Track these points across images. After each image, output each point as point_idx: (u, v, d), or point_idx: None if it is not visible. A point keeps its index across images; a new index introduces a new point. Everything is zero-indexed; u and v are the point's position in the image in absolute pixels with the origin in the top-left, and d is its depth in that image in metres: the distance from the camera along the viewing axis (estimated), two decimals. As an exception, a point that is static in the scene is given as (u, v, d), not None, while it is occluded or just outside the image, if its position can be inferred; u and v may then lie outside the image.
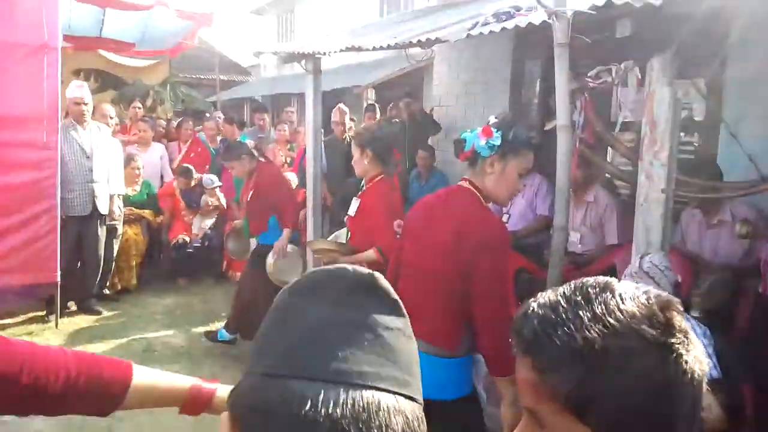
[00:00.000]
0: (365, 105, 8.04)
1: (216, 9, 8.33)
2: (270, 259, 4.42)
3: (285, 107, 10.50)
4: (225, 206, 6.58)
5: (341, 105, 6.73)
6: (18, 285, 4.82)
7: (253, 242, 4.95)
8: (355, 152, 3.22)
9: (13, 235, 4.72)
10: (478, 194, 2.14)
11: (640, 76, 2.89)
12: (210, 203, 6.51)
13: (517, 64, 5.63)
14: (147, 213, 6.32)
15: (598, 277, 0.82)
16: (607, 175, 4.30)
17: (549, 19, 2.62)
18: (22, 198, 4.75)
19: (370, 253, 3.07)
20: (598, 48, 2.98)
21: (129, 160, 6.15)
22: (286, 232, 4.46)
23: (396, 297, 0.65)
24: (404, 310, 0.66)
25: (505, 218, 4.75)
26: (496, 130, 2.09)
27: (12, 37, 4.72)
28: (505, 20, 3.22)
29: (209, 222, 6.54)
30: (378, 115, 7.59)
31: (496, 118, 2.17)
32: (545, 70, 5.21)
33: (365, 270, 0.64)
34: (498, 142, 2.07)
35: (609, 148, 4.16)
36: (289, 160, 7.17)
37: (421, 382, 2.17)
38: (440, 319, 2.08)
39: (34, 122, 4.76)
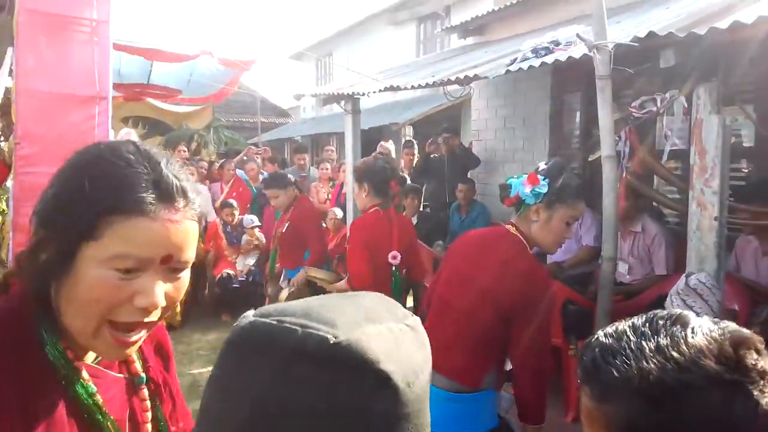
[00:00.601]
0: (403, 141, 8.12)
1: (257, 55, 8.59)
2: (283, 293, 4.42)
3: (324, 146, 10.69)
4: (264, 244, 6.68)
5: (383, 143, 6.84)
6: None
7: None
8: (354, 186, 3.26)
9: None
10: (524, 240, 2.08)
11: (686, 105, 2.85)
12: (249, 242, 6.62)
13: (557, 96, 5.62)
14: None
15: (674, 310, 0.78)
16: (654, 203, 4.22)
17: (590, 52, 2.62)
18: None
19: (342, 283, 3.26)
20: (641, 78, 2.96)
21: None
22: (304, 269, 4.45)
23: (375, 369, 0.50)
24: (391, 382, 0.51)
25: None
26: (543, 177, 2.03)
27: (65, 89, 4.94)
28: (544, 55, 3.24)
29: (252, 260, 6.64)
30: (416, 151, 7.66)
31: (545, 164, 2.12)
32: (586, 101, 5.20)
33: (319, 334, 0.51)
34: (544, 190, 2.01)
35: (655, 176, 4.09)
36: (330, 196, 7.27)
37: (446, 420, 2.13)
38: (470, 359, 2.04)
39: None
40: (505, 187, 2.15)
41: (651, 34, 2.48)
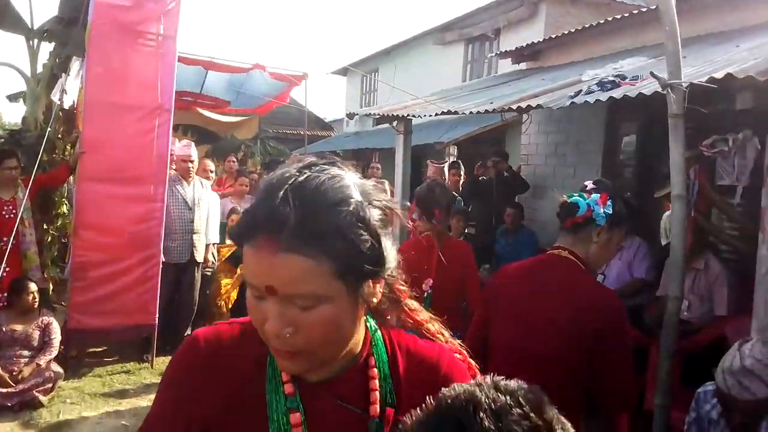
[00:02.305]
0: (449, 162, 8.13)
1: (307, 70, 8.76)
2: None
3: (366, 160, 10.77)
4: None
5: (430, 161, 6.89)
6: (119, 325, 5.07)
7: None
8: (416, 215, 3.35)
9: (119, 279, 5.01)
10: (581, 264, 1.96)
11: (759, 147, 2.81)
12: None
13: (611, 126, 5.58)
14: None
15: None
16: (712, 239, 4.14)
17: (663, 90, 2.61)
18: (130, 245, 5.05)
19: None
20: (713, 117, 2.93)
21: (231, 212, 6.45)
22: None
23: None
24: None
25: (600, 278, 4.65)
26: (608, 198, 1.97)
27: (130, 100, 5.12)
28: (610, 89, 3.23)
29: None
30: (462, 172, 7.68)
31: (593, 184, 2.04)
32: (642, 132, 5.15)
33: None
34: (611, 211, 1.95)
35: (719, 214, 4.02)
36: None
37: None
38: (570, 411, 1.93)
39: (145, 177, 5.10)
40: (571, 206, 1.97)
41: (729, 76, 2.46)
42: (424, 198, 3.30)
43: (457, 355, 1.09)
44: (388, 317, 1.03)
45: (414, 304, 1.09)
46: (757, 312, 2.71)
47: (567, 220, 1.99)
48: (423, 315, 1.11)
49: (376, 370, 0.97)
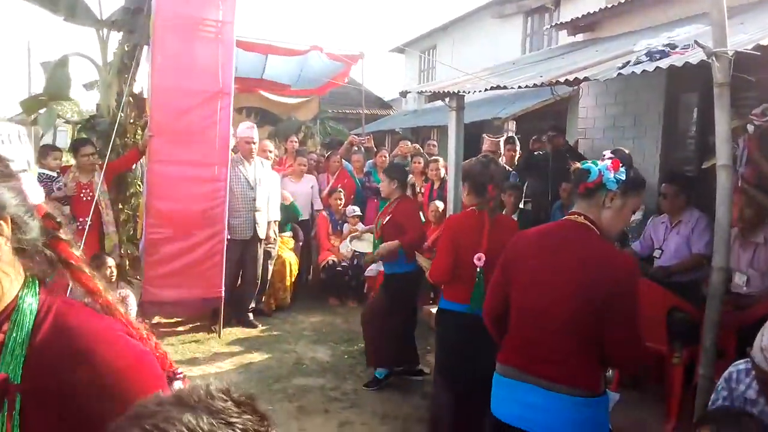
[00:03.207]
0: (505, 137, 8.08)
1: (363, 50, 8.86)
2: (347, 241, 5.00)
3: (425, 138, 10.80)
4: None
5: (486, 135, 6.89)
6: (189, 298, 5.42)
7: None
8: (463, 189, 3.46)
9: (187, 254, 5.35)
10: (595, 229, 2.06)
11: (812, 113, 2.72)
12: (351, 230, 6.93)
13: (671, 97, 5.43)
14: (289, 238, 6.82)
15: None
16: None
17: (708, 59, 2.57)
18: (197, 223, 5.38)
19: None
20: (764, 84, 2.85)
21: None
22: (390, 244, 4.57)
23: None
24: None
25: (657, 253, 4.59)
26: (621, 165, 2.05)
27: (193, 85, 5.40)
28: (659, 59, 3.18)
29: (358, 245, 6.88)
30: (518, 147, 7.63)
31: (612, 153, 2.11)
32: (704, 103, 4.99)
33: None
34: (623, 177, 2.03)
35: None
36: (422, 190, 7.38)
37: (582, 425, 2.15)
38: (579, 362, 2.02)
39: (209, 158, 5.39)
40: (582, 172, 2.07)
41: (776, 42, 2.40)
42: (475, 173, 3.33)
43: (136, 334, 1.04)
44: (47, 279, 1.00)
45: (88, 270, 1.06)
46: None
47: (580, 186, 2.09)
48: (99, 284, 1.06)
49: (2, 336, 0.92)
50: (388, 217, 4.83)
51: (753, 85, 3.18)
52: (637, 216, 5.29)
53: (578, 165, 2.13)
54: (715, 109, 2.61)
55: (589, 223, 2.06)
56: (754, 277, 3.91)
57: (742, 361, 2.12)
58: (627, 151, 2.16)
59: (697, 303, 3.90)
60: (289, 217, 6.75)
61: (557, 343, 2.03)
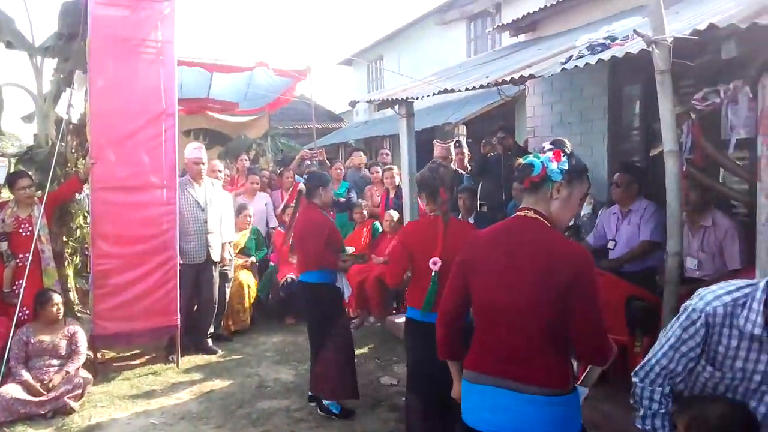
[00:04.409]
0: (453, 141, 8.12)
1: (310, 64, 8.78)
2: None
3: (379, 148, 10.78)
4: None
5: (436, 142, 6.90)
6: (143, 329, 5.20)
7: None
8: (420, 199, 3.48)
9: (138, 284, 5.14)
10: (546, 222, 2.05)
11: (751, 95, 2.77)
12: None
13: (615, 90, 5.52)
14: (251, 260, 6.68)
15: None
16: (720, 197, 4.09)
17: (648, 47, 2.59)
18: (147, 250, 5.18)
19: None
20: (702, 69, 2.89)
21: (241, 209, 6.57)
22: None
23: None
24: None
25: (611, 244, 4.63)
26: (563, 155, 2.04)
27: (135, 107, 5.22)
28: (600, 51, 3.20)
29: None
30: (466, 150, 7.68)
31: (552, 144, 2.10)
32: (645, 94, 5.09)
33: None
34: (566, 166, 2.03)
35: (721, 169, 3.97)
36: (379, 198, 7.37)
37: (550, 424, 2.08)
38: (545, 359, 1.98)
39: (155, 182, 5.21)
40: (527, 167, 2.05)
41: (711, 27, 2.43)
42: (426, 179, 3.35)
43: None
44: None
45: None
46: (761, 260, 2.70)
47: (525, 181, 2.08)
48: None
49: None
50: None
51: (692, 73, 3.24)
52: (587, 210, 5.35)
53: (521, 160, 2.10)
54: (658, 96, 2.63)
55: (539, 217, 2.05)
56: (705, 260, 3.97)
57: (733, 285, 2.01)
58: (565, 140, 2.10)
59: (653, 290, 3.94)
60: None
61: (522, 341, 1.99)
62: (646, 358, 2.09)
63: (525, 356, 1.98)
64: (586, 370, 2.22)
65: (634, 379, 2.10)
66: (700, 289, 2.07)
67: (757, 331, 1.91)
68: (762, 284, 1.94)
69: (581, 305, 1.93)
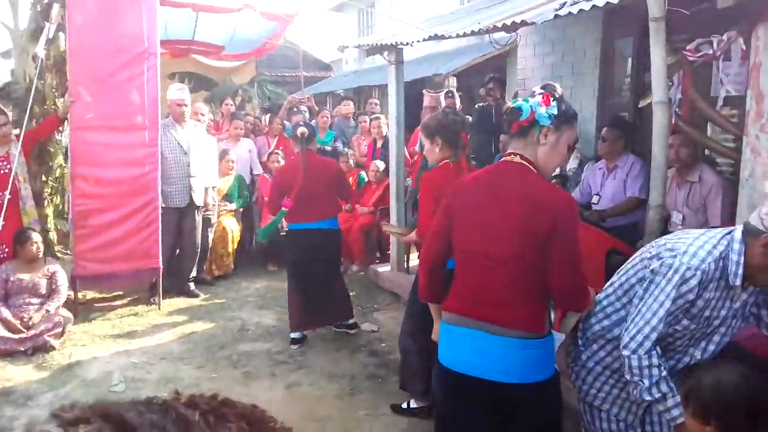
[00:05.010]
0: (445, 91, 8.00)
1: (298, 8, 8.53)
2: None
3: (368, 98, 10.62)
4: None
5: (425, 91, 6.80)
6: (125, 271, 5.17)
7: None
8: (426, 142, 3.29)
9: (120, 226, 5.09)
10: (532, 168, 2.02)
11: (744, 48, 2.72)
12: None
13: (607, 42, 5.42)
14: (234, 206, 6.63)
15: None
16: (707, 152, 4.08)
17: (643, -9, 2.51)
18: (128, 192, 5.11)
19: (413, 235, 3.54)
20: (697, 19, 2.83)
21: (223, 154, 6.47)
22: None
23: None
24: None
25: (595, 199, 4.63)
26: (552, 99, 2.00)
27: (116, 46, 5.05)
28: (594, -3, 3.11)
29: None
30: (457, 102, 7.57)
31: (542, 89, 2.05)
32: (638, 47, 5.01)
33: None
34: (555, 111, 1.99)
35: (709, 123, 3.94)
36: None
37: (525, 367, 2.13)
38: (531, 306, 2.00)
39: (137, 123, 5.10)
40: (515, 111, 2.01)
41: (709, -28, 2.36)
42: (446, 124, 3.23)
43: None
44: None
45: None
46: (741, 216, 2.70)
47: (513, 125, 2.04)
48: None
49: None
50: None
51: (686, 26, 3.17)
52: (573, 164, 5.33)
53: (509, 104, 2.06)
54: (650, 44, 2.57)
55: (526, 162, 2.02)
56: (689, 215, 3.98)
57: (712, 238, 1.97)
58: (556, 84, 2.05)
59: (635, 245, 3.96)
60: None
61: (502, 284, 2.00)
62: (633, 329, 1.99)
63: (504, 299, 1.99)
64: (564, 316, 2.23)
65: (625, 353, 1.99)
66: (674, 245, 2.03)
67: (738, 281, 1.92)
68: (738, 235, 1.94)
69: (561, 249, 1.92)
